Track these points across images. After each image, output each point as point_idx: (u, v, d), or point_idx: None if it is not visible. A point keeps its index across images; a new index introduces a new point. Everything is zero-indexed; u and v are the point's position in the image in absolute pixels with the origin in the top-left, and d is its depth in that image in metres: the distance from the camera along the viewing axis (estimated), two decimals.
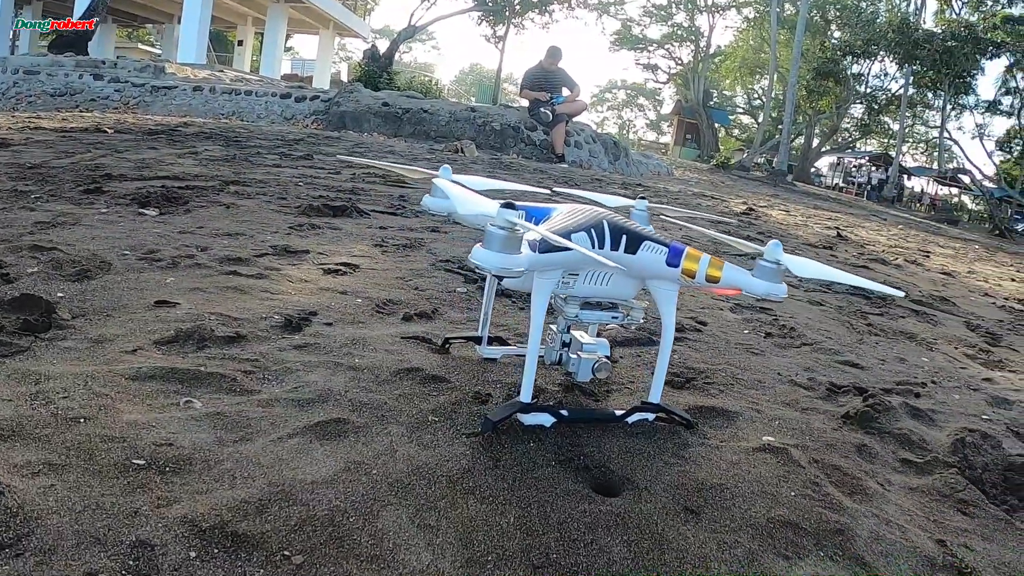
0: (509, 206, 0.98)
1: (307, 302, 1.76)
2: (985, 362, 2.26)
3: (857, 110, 22.63)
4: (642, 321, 1.36)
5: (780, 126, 21.43)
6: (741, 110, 29.19)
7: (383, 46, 17.75)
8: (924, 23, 19.87)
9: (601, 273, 1.26)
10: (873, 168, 19.51)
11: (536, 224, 1.24)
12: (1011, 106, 20.00)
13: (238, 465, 0.99)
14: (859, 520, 1.08)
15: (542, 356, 1.38)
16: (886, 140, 25.10)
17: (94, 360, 1.26)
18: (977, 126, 21.50)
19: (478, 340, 1.54)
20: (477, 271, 1.38)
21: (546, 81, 7.94)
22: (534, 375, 1.20)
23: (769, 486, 1.15)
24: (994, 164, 20.12)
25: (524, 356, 1.56)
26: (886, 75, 21.12)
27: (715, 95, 23.06)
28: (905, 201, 19.25)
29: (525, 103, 8.34)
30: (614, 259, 1.19)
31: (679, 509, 1.05)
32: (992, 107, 20.26)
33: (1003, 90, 20.44)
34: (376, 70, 14.76)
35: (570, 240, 1.10)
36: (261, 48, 21.89)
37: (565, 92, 8.02)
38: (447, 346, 1.56)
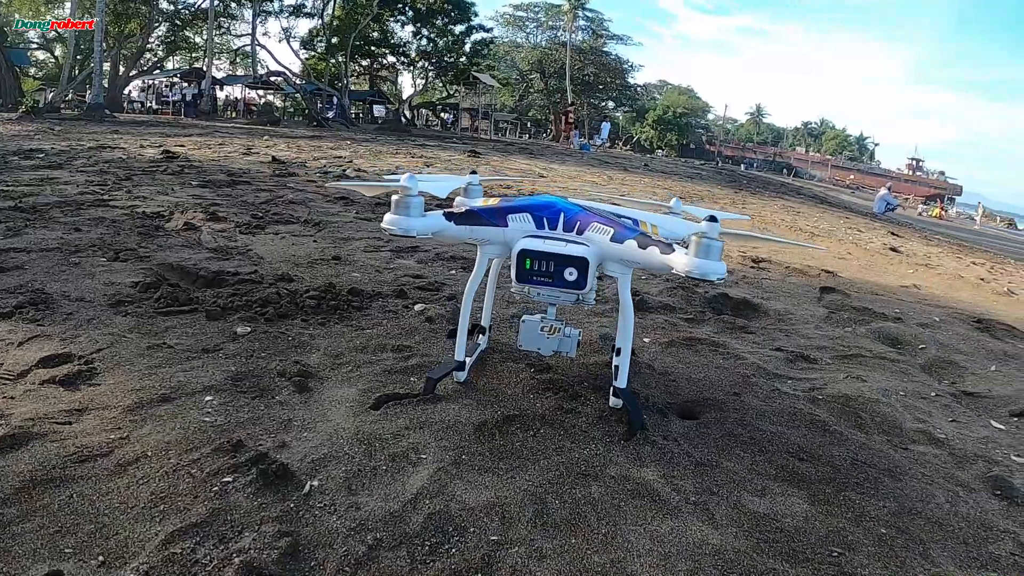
0: (713, 219, 1.09)
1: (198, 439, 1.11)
2: None
3: (163, 29, 21.24)
4: None
5: (79, 57, 18.32)
6: (35, 46, 22.98)
7: None
8: None
9: None
10: (185, 84, 18.97)
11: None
12: (314, 7, 21.34)
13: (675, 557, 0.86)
14: (790, 338, 1.76)
15: (539, 351, 1.43)
16: (192, 56, 24.43)
17: None
18: (283, 29, 22.53)
19: (459, 367, 1.41)
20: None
21: None
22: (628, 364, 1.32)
23: (743, 357, 1.68)
24: (301, 62, 21.81)
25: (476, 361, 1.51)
26: None
27: (8, 33, 16.96)
28: (220, 111, 19.37)
29: None
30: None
31: (744, 406, 1.48)
32: (297, 11, 21.35)
33: None
34: None
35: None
36: None
37: None
38: (434, 389, 1.36)
